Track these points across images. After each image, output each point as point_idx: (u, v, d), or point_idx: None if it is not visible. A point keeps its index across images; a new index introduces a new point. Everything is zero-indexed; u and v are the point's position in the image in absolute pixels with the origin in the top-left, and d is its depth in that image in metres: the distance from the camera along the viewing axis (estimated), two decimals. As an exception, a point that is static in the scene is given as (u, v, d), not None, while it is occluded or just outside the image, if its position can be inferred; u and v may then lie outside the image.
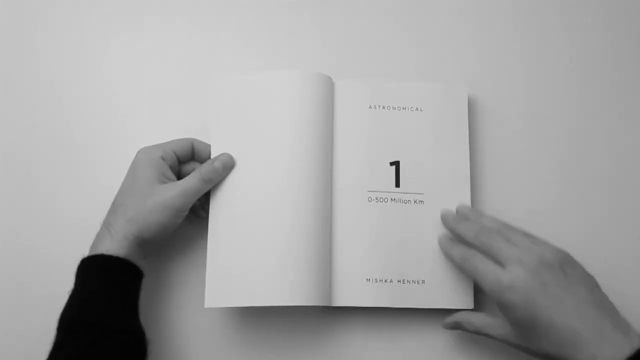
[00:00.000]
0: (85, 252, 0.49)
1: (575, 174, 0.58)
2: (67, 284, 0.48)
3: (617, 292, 0.56)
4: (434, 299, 0.52)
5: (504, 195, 0.57)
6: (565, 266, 0.45)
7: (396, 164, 0.55)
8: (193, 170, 0.53)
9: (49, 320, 0.46)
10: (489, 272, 0.46)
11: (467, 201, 0.54)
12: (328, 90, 0.55)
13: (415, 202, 0.54)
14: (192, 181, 0.50)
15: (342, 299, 0.52)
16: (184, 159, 0.54)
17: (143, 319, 0.49)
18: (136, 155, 0.52)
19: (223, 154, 0.53)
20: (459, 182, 0.55)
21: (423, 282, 0.53)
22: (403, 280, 0.52)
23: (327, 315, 0.55)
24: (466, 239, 0.50)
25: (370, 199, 0.54)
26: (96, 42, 0.62)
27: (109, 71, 0.61)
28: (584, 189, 0.58)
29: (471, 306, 0.52)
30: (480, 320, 0.49)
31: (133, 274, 0.48)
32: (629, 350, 0.40)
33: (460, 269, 0.50)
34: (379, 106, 0.56)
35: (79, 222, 0.56)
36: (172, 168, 0.52)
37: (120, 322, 0.46)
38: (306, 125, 0.53)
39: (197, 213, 0.54)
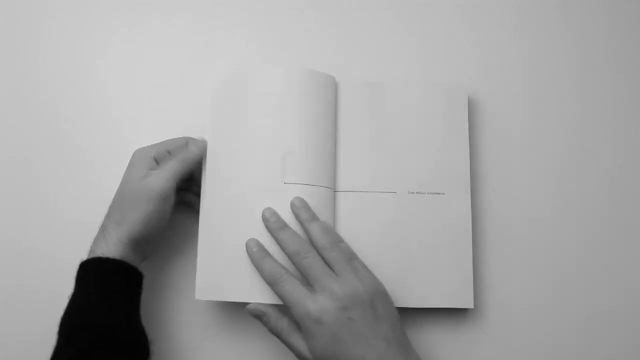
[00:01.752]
0: (85, 253, 0.49)
1: (575, 174, 0.59)
2: (66, 284, 0.48)
3: (615, 292, 0.57)
4: (434, 299, 0.53)
5: (503, 196, 0.58)
6: (375, 301, 0.46)
7: (396, 164, 0.55)
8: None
9: (49, 321, 0.46)
10: (298, 300, 0.45)
11: (467, 201, 0.54)
12: (331, 90, 0.55)
13: (416, 201, 0.54)
14: (169, 163, 0.51)
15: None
16: None
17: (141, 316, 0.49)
18: (131, 157, 0.52)
19: (199, 139, 0.54)
20: (459, 182, 0.55)
21: (423, 281, 0.53)
22: (404, 280, 0.53)
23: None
24: (285, 252, 0.49)
25: (371, 199, 0.54)
26: (95, 42, 0.62)
27: (107, 71, 0.61)
28: (584, 189, 0.58)
29: (471, 306, 0.53)
30: (284, 326, 0.48)
31: (131, 275, 0.48)
32: None
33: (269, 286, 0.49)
34: (380, 107, 0.56)
35: (78, 222, 0.56)
36: None
37: (120, 324, 0.46)
38: (307, 123, 0.53)
39: (193, 205, 0.54)
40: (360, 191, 0.54)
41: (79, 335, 0.45)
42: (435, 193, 0.54)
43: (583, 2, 0.62)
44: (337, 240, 0.50)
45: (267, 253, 0.49)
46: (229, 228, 0.51)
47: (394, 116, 0.56)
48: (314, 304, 0.45)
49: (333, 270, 0.47)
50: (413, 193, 0.54)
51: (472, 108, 0.59)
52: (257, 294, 0.50)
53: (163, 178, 0.50)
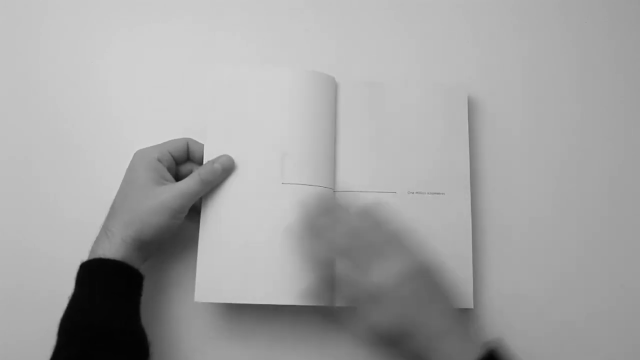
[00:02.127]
0: (85, 253, 0.48)
1: (574, 174, 0.59)
2: (66, 284, 0.48)
3: (615, 292, 0.57)
4: (434, 299, 0.53)
5: (503, 196, 0.58)
6: (427, 275, 0.46)
7: (396, 164, 0.55)
8: (190, 170, 0.53)
9: (49, 321, 0.46)
10: (355, 279, 0.45)
11: (467, 201, 0.54)
12: (331, 90, 0.55)
13: (416, 201, 0.54)
14: (190, 183, 0.50)
15: (343, 299, 0.52)
16: (181, 160, 0.54)
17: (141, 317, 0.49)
18: (132, 158, 0.52)
19: (223, 155, 0.52)
20: (458, 182, 0.55)
21: (423, 282, 0.53)
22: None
23: (327, 315, 0.55)
24: (328, 236, 0.48)
25: (371, 199, 0.54)
26: (95, 42, 0.62)
27: (107, 71, 0.61)
28: (584, 189, 0.58)
29: (471, 306, 0.53)
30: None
31: (132, 276, 0.48)
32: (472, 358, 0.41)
33: (319, 269, 0.49)
34: (380, 107, 0.56)
35: (78, 222, 0.56)
36: (169, 169, 0.52)
37: (120, 325, 0.46)
38: (305, 124, 0.53)
39: (195, 206, 0.54)
40: (360, 191, 0.54)
41: (79, 336, 0.45)
42: (435, 193, 0.54)
43: (583, 2, 0.62)
44: (377, 223, 0.48)
45: (318, 236, 0.49)
46: (228, 229, 0.51)
47: (393, 116, 0.56)
48: (372, 280, 0.44)
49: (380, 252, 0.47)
50: (413, 193, 0.54)
51: (472, 108, 0.59)
52: (258, 296, 0.50)
53: (182, 197, 0.49)
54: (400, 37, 0.62)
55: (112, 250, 0.47)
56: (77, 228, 0.54)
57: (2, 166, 0.59)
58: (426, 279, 0.45)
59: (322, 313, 0.55)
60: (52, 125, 0.60)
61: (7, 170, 0.59)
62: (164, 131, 0.56)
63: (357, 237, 0.47)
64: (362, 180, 0.54)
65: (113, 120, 0.60)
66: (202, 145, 0.53)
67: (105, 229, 0.49)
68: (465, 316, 0.46)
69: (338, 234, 0.47)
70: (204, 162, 0.52)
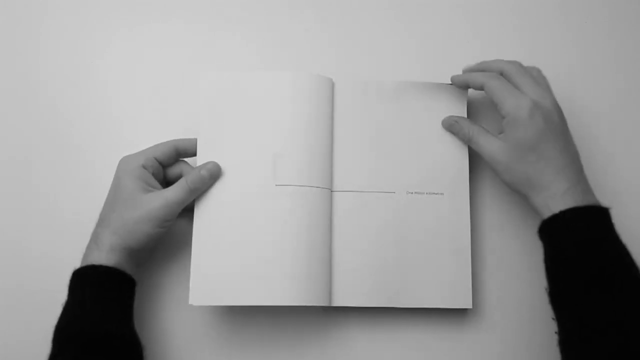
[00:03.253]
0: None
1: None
2: (66, 284, 0.48)
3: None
4: (432, 300, 0.53)
5: (502, 196, 0.57)
6: (559, 114, 0.50)
7: (396, 164, 0.55)
8: (180, 171, 0.53)
9: (49, 321, 0.46)
10: (511, 93, 0.49)
11: (466, 201, 0.54)
12: (328, 92, 0.55)
13: (415, 202, 0.54)
14: (177, 191, 0.50)
15: (342, 299, 0.52)
16: (168, 163, 0.53)
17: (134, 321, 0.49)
18: (118, 165, 0.52)
19: (210, 162, 0.52)
20: (457, 182, 0.55)
21: (423, 281, 0.53)
22: (403, 280, 0.53)
23: (326, 315, 0.55)
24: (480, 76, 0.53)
25: (370, 199, 0.54)
26: (95, 42, 0.62)
27: (107, 71, 0.61)
28: (584, 189, 0.58)
29: (470, 306, 0.53)
30: (475, 131, 0.52)
31: (123, 282, 0.48)
32: (581, 203, 0.47)
33: (483, 90, 0.52)
34: (380, 106, 0.56)
35: (78, 222, 0.56)
36: (155, 175, 0.52)
37: (110, 329, 0.46)
38: (298, 125, 0.53)
39: (188, 209, 0.53)
40: (359, 191, 0.54)
41: (72, 342, 0.45)
42: (434, 193, 0.54)
43: (583, 2, 0.62)
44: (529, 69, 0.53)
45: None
46: (222, 231, 0.51)
47: (393, 116, 0.56)
48: (527, 97, 0.49)
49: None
50: (412, 193, 0.54)
51: (472, 108, 0.59)
52: (252, 297, 0.50)
53: (168, 206, 0.49)
54: (400, 37, 0.62)
55: (103, 257, 0.47)
56: (77, 228, 0.54)
57: (2, 166, 0.59)
58: (562, 120, 0.50)
59: (319, 313, 0.55)
60: (52, 125, 0.60)
61: (7, 170, 0.59)
62: (164, 131, 0.56)
63: (510, 64, 0.52)
64: (361, 180, 0.54)
65: (113, 120, 0.60)
66: (192, 140, 0.53)
67: (94, 238, 0.49)
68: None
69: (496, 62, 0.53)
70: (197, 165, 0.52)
